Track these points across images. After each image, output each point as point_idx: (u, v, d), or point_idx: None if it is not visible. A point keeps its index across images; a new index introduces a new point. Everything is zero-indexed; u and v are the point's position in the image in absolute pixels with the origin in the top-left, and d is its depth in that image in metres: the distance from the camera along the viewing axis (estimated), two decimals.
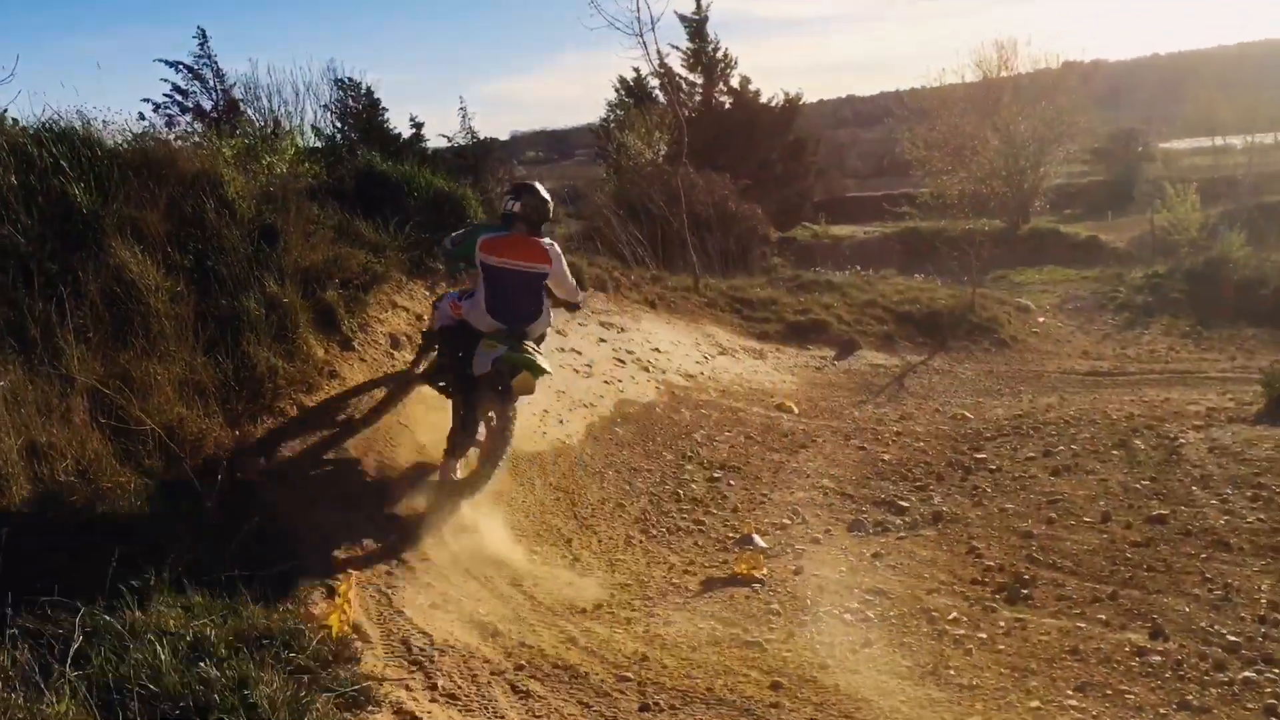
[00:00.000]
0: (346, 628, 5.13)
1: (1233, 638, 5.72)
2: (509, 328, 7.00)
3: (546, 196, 7.35)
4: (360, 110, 24.46)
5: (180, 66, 25.89)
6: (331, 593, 5.49)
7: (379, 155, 11.46)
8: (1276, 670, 5.37)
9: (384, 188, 10.37)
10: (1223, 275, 16.88)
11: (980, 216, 22.61)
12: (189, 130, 14.14)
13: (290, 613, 5.12)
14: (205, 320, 7.18)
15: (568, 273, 7.54)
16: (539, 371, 6.81)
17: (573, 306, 8.12)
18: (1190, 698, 5.14)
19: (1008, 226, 25.42)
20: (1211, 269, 17.18)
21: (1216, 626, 5.87)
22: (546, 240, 7.29)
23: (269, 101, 12.77)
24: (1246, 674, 5.34)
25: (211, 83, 25.76)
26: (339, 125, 23.28)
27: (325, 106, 21.29)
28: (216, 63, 25.77)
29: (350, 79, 24.64)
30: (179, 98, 25.91)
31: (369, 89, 25.23)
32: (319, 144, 14.42)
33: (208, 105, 25.18)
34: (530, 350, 6.87)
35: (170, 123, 22.06)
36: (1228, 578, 6.51)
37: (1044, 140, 27.69)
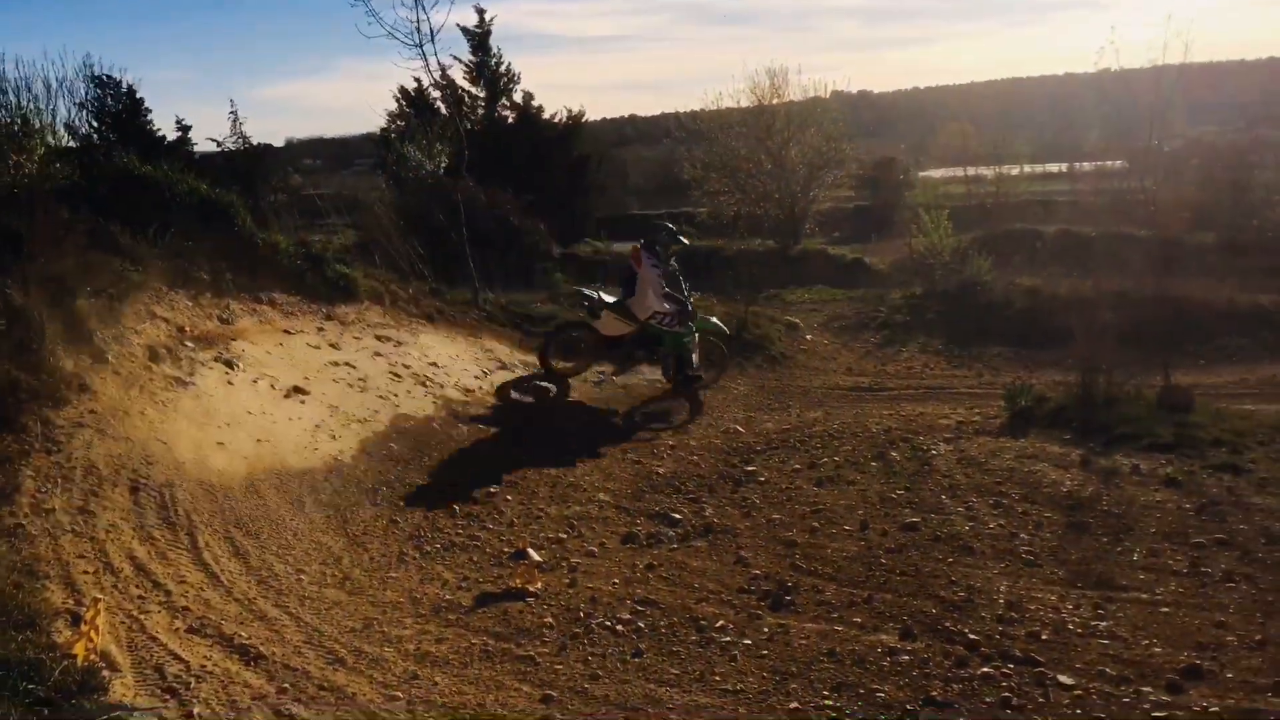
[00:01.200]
0: (94, 656, 4.85)
1: (973, 636, 6.12)
2: (622, 295, 12.62)
3: (664, 230, 12.78)
4: (120, 110, 23.16)
5: None
6: (77, 620, 5.17)
7: (138, 158, 10.89)
8: (1011, 665, 5.77)
9: (144, 192, 9.88)
10: (972, 297, 18.04)
11: (754, 237, 23.41)
12: None
13: (30, 641, 4.80)
14: None
15: (653, 280, 12.32)
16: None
17: (672, 310, 12.58)
18: (934, 693, 5.47)
19: (780, 247, 26.36)
20: (962, 291, 18.34)
21: (959, 626, 6.27)
22: (650, 257, 12.35)
23: (16, 97, 11.87)
24: (985, 669, 5.72)
25: None
26: (96, 125, 21.98)
27: (80, 104, 20.00)
28: None
29: (109, 76, 23.35)
30: None
31: (130, 87, 23.99)
32: (73, 144, 13.53)
33: None
34: (613, 306, 12.60)
35: None
36: (970, 580, 6.97)
37: (813, 165, 28.88)
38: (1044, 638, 6.09)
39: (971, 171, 33.34)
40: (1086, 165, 29.22)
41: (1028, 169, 34.12)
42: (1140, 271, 16.77)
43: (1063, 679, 5.58)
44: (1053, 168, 38.25)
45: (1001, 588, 6.82)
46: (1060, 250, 21.11)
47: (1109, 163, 24.62)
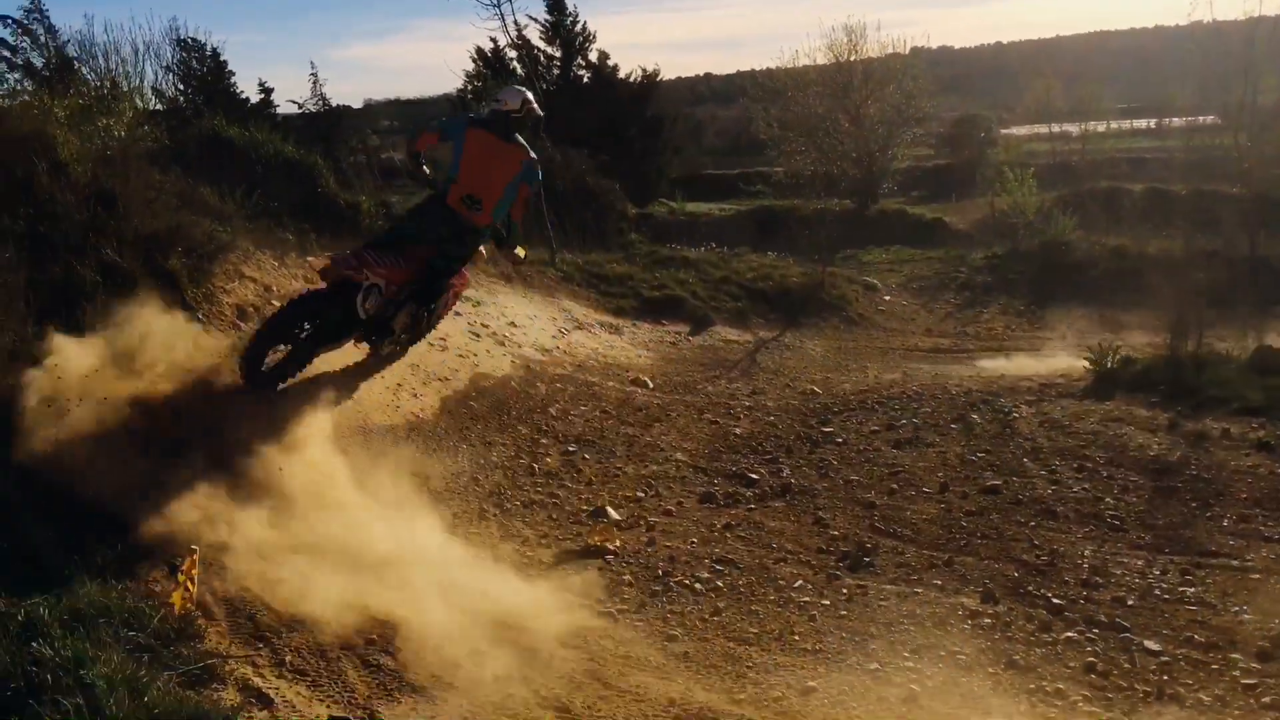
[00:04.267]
0: (190, 605, 5.00)
1: (1057, 600, 6.06)
2: None
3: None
4: (205, 73, 23.52)
5: (8, 21, 24.41)
6: (173, 570, 5.33)
7: (224, 120, 11.09)
8: (1096, 630, 5.71)
9: (230, 154, 10.07)
10: (1056, 257, 17.70)
11: (831, 196, 23.13)
12: (18, 88, 13.36)
13: (129, 590, 4.97)
14: (38, 289, 6.84)
15: None
16: None
17: None
18: (1017, 657, 5.44)
19: (857, 207, 26.02)
20: (1046, 251, 18.00)
21: (1043, 590, 6.21)
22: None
23: (105, 61, 12.12)
24: (1069, 634, 5.67)
25: (43, 39, 24.37)
26: (182, 88, 22.37)
27: (167, 68, 20.41)
28: (48, 17, 24.34)
29: (194, 39, 23.68)
30: (7, 54, 24.44)
31: (214, 50, 24.33)
32: (161, 107, 13.83)
33: (39, 63, 23.84)
34: None
35: None
36: (1054, 544, 6.88)
37: (892, 124, 28.44)
38: (1130, 603, 6.02)
39: (1056, 129, 32.56)
40: (1177, 121, 28.38)
41: (1115, 126, 33.23)
42: (1232, 231, 16.32)
43: (1150, 645, 5.52)
44: (1141, 124, 37.21)
45: (1086, 552, 6.73)
46: (1149, 209, 20.58)
47: (1201, 119, 23.88)
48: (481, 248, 8.26)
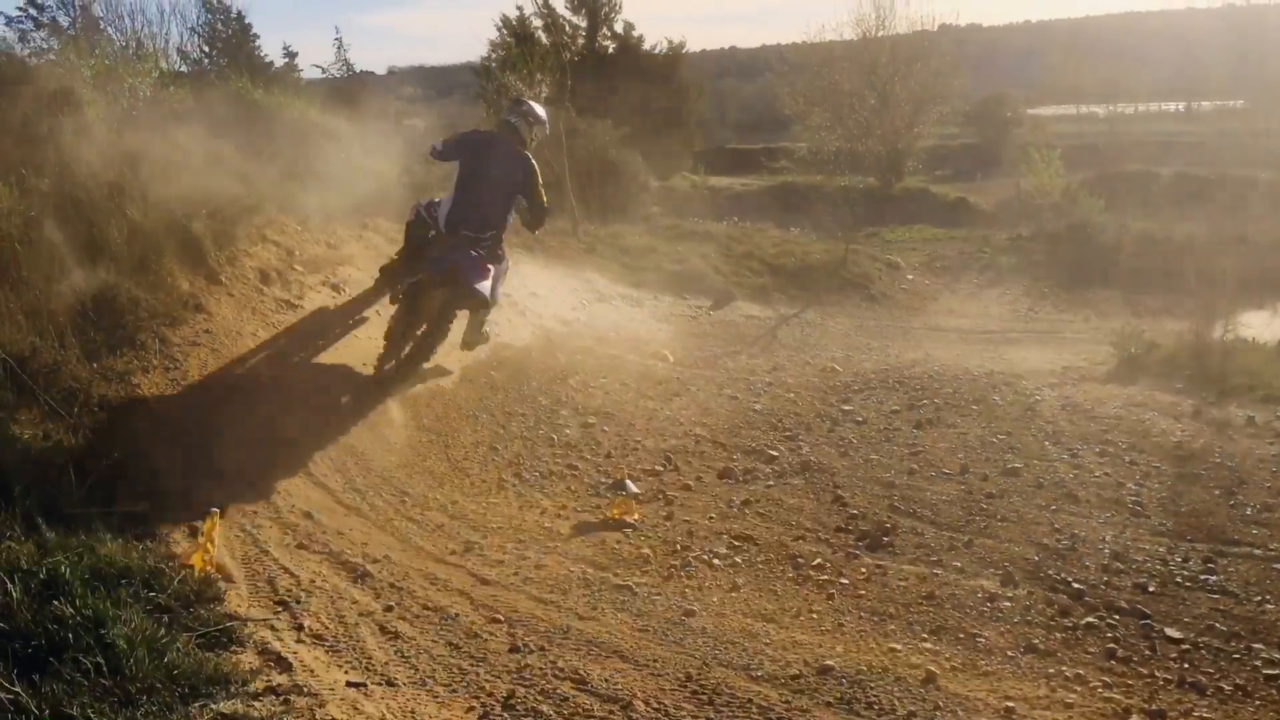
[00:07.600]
0: (210, 567, 5.03)
1: (1077, 585, 6.00)
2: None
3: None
4: (230, 35, 23.50)
5: None
6: (194, 531, 5.36)
7: (249, 83, 11.06)
8: (1116, 616, 5.66)
9: (255, 117, 10.05)
10: (1081, 239, 17.54)
11: (855, 174, 23.01)
12: (44, 47, 13.36)
13: (150, 551, 5.00)
14: (61, 248, 6.86)
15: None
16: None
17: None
18: (1036, 641, 5.39)
19: (881, 185, 25.90)
20: (1071, 233, 17.84)
21: (1063, 574, 6.16)
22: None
23: (131, 21, 12.14)
24: (1089, 619, 5.62)
25: None
26: (206, 50, 22.36)
27: (192, 29, 20.42)
28: None
29: (219, 1, 23.66)
30: (34, 12, 24.48)
31: (239, 13, 24.32)
32: (185, 68, 13.79)
33: (65, 22, 23.86)
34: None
35: (23, 38, 20.84)
36: (1075, 529, 6.83)
37: (919, 101, 28.24)
38: (1151, 589, 5.96)
39: (1084, 110, 32.28)
40: (1207, 104, 28.08)
41: (1144, 108, 32.92)
42: (1262, 216, 16.14)
43: (1170, 632, 5.46)
44: (1170, 107, 36.83)
45: (1107, 537, 6.67)
46: (1177, 192, 20.39)
47: (1231, 102, 23.61)
48: None
